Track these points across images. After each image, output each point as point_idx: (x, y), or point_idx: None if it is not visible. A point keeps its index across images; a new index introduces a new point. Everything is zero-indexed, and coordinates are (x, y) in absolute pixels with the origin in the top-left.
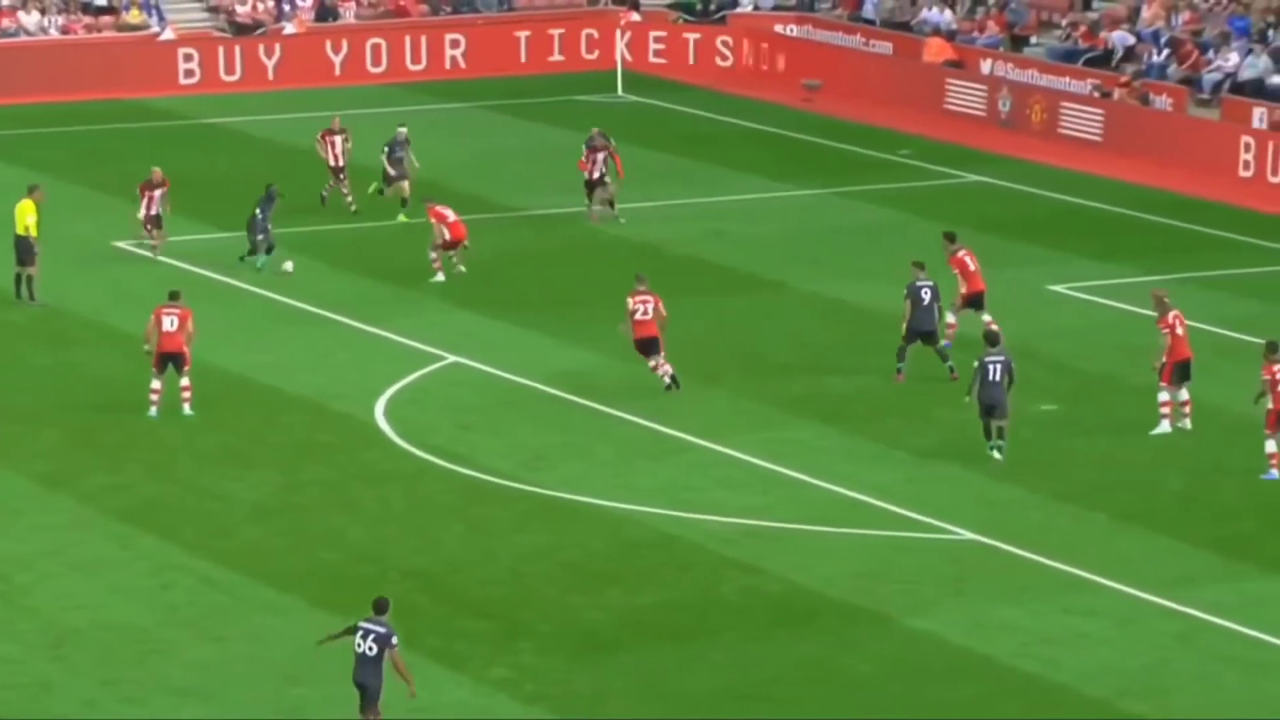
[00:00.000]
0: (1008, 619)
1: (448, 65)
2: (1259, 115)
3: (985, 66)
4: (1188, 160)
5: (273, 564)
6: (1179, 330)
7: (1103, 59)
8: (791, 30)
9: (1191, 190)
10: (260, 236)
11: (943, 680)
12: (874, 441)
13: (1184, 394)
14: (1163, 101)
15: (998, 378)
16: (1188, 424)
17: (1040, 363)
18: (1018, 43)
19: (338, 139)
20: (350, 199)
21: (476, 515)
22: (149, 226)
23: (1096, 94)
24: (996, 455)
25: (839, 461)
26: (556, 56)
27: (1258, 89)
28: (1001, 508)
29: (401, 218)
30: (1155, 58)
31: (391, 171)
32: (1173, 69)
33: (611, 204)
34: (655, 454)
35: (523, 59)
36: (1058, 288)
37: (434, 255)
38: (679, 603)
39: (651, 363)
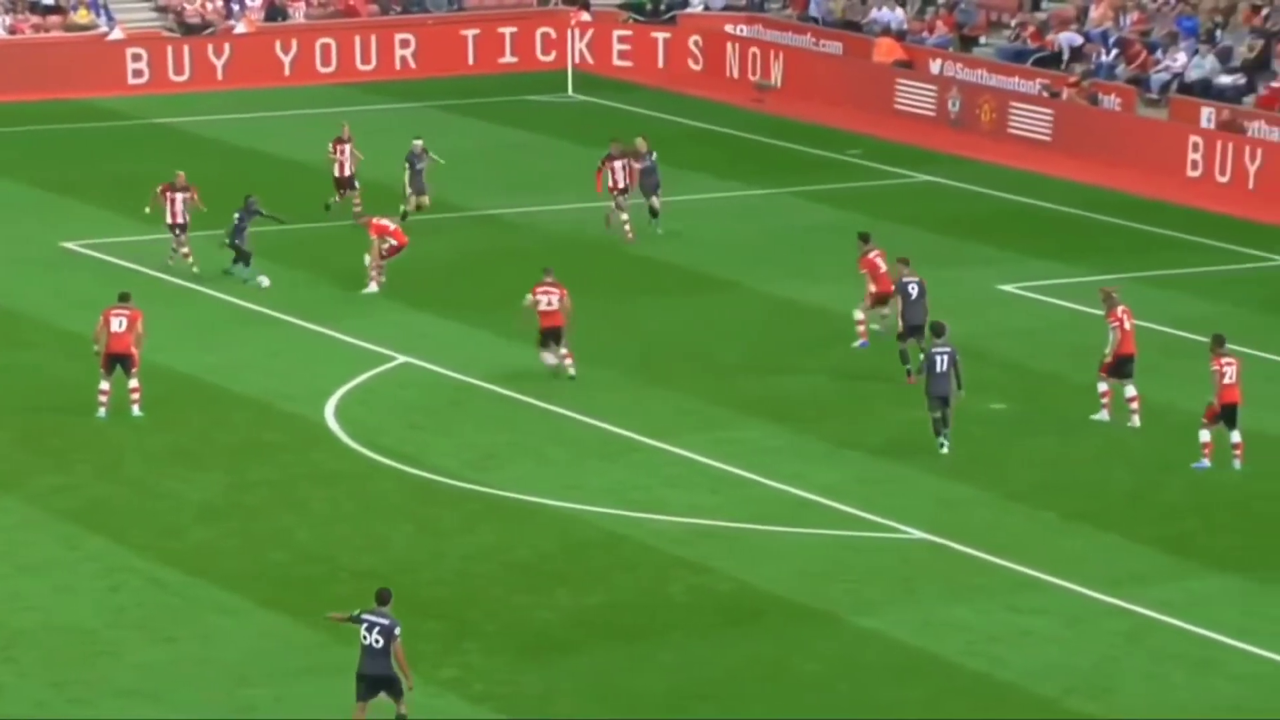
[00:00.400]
0: (956, 618)
1: (398, 65)
2: (1207, 115)
3: (935, 66)
4: (1136, 160)
5: (222, 564)
6: (1126, 325)
7: (1051, 59)
8: (742, 30)
9: (1140, 190)
10: (236, 244)
11: (891, 680)
12: (823, 441)
13: (1130, 390)
14: (1111, 101)
15: (945, 368)
16: (1136, 421)
17: (990, 362)
18: (967, 43)
19: (347, 147)
20: (359, 208)
21: (425, 515)
22: (179, 233)
23: (1045, 94)
24: (943, 449)
25: (788, 461)
26: (508, 57)
27: (1205, 89)
28: (950, 507)
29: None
30: (1103, 58)
31: (409, 188)
32: (1121, 69)
33: (622, 213)
34: (605, 454)
35: (472, 59)
36: (1007, 287)
37: (371, 265)
38: (627, 603)
39: (551, 356)
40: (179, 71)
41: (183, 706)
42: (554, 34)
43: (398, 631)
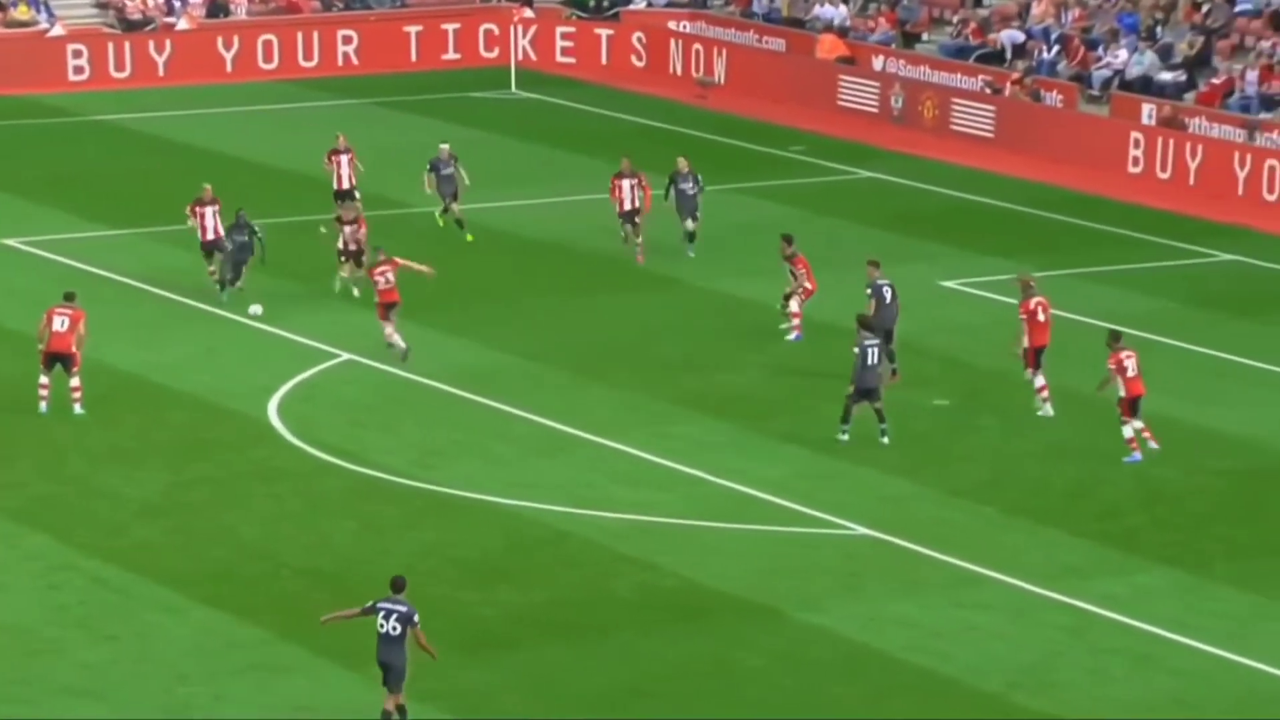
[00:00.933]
0: (899, 613)
1: (340, 61)
2: (1148, 111)
3: (877, 63)
4: (1078, 156)
5: (163, 562)
6: (1040, 317)
7: (994, 56)
8: (685, 27)
9: (1082, 186)
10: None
11: (835, 675)
12: (767, 437)
13: (1039, 380)
14: (1053, 98)
15: (875, 361)
16: (1049, 409)
17: (932, 358)
18: (909, 40)
19: (344, 158)
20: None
21: (369, 513)
22: (209, 254)
23: (988, 90)
24: (885, 440)
25: (732, 457)
26: (451, 54)
27: (1146, 85)
28: (893, 503)
29: (469, 237)
30: (1045, 54)
31: (437, 191)
32: (1063, 66)
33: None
34: (549, 451)
35: (415, 56)
36: (949, 283)
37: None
38: (572, 600)
39: (388, 328)
40: (120, 68)
41: (123, 704)
42: (497, 30)
43: (416, 618)
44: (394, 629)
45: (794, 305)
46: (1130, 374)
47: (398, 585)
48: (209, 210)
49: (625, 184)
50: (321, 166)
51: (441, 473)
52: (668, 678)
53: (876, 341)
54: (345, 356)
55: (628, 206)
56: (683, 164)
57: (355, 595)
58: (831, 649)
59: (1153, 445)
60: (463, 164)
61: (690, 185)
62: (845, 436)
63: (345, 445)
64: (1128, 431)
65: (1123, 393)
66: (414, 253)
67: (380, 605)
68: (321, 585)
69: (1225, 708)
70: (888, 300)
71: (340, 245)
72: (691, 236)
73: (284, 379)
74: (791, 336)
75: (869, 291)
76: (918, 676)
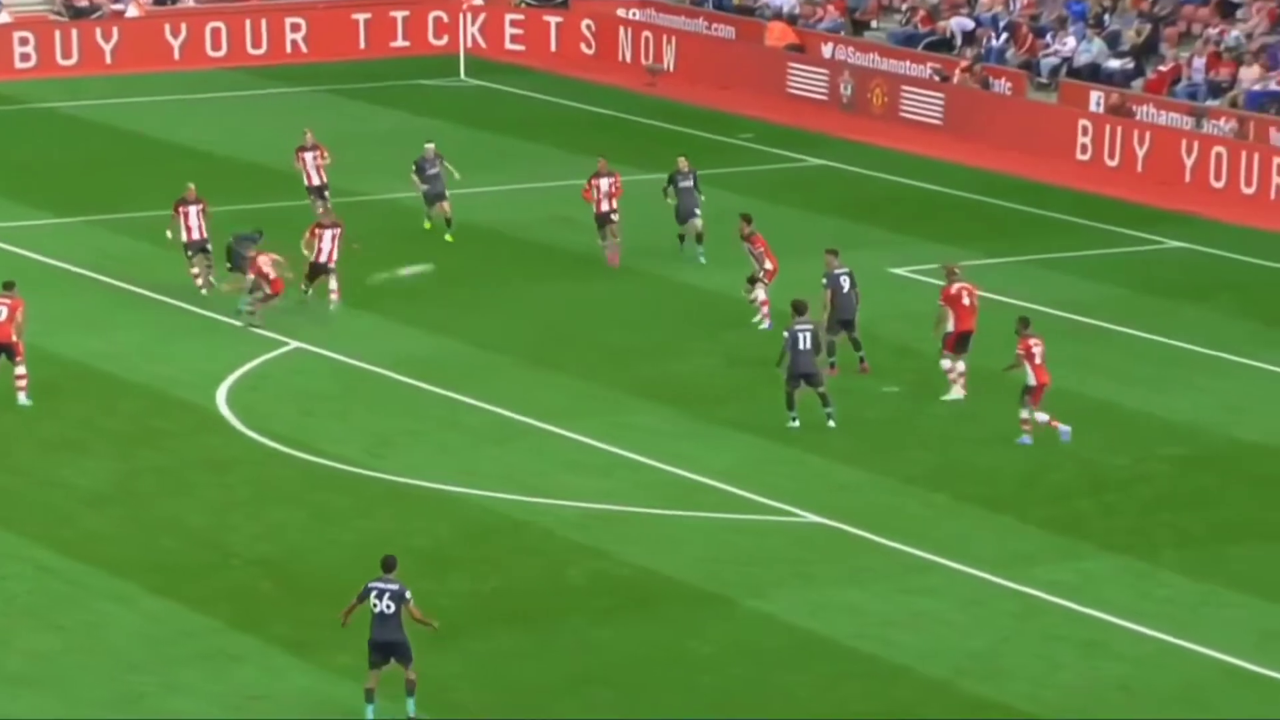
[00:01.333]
0: (849, 601)
1: (288, 49)
2: (1095, 99)
3: (827, 50)
4: (1027, 143)
5: (112, 551)
6: (965, 301)
7: (942, 43)
8: (634, 14)
9: (1030, 173)
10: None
11: (785, 663)
12: (719, 425)
13: (960, 365)
14: (1002, 85)
15: (808, 345)
16: (960, 392)
17: (882, 345)
18: (858, 27)
19: (308, 155)
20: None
21: (320, 502)
22: (195, 253)
23: (937, 78)
24: (831, 424)
25: (684, 445)
26: (399, 41)
27: (1094, 73)
28: (844, 490)
29: (448, 237)
30: (994, 42)
31: (424, 188)
32: (1011, 53)
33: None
34: (501, 439)
35: (363, 43)
36: (899, 270)
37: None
38: (524, 588)
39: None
40: (67, 55)
41: (72, 693)
42: (446, 18)
43: (408, 595)
44: (388, 607)
45: (761, 293)
46: (1037, 361)
47: (388, 565)
48: (193, 210)
49: (602, 184)
50: (272, 155)
51: (393, 461)
52: (620, 666)
53: (809, 326)
54: (293, 345)
55: (604, 208)
56: (683, 163)
57: (306, 585)
58: (781, 636)
59: (1062, 428)
60: (448, 160)
61: (691, 184)
62: (795, 424)
63: (295, 434)
64: (1025, 413)
65: (1031, 380)
66: (362, 240)
67: (371, 586)
68: (271, 574)
69: (1172, 693)
70: (845, 289)
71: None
72: (699, 238)
73: (233, 368)
74: (765, 325)
75: (824, 281)
76: (866, 664)
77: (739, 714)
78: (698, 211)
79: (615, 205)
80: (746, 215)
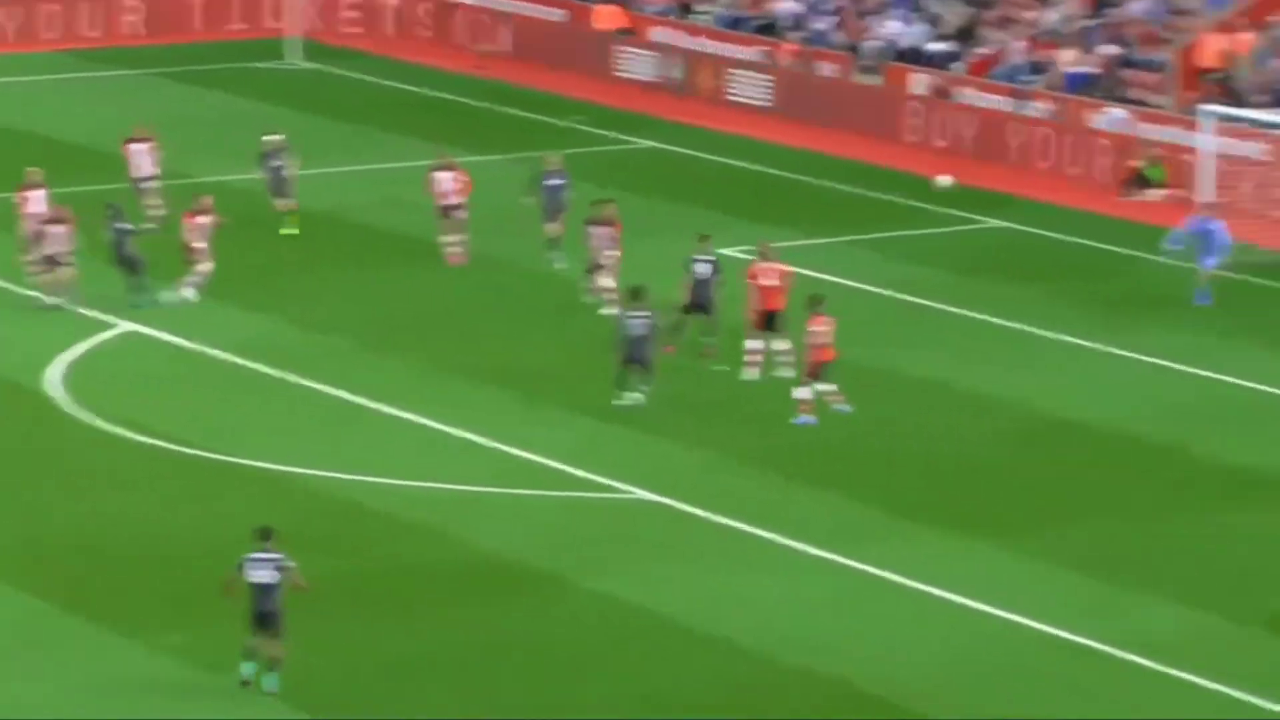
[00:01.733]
0: (681, 577)
1: (125, 31)
2: (920, 81)
3: (656, 34)
4: (853, 125)
5: None
6: (769, 281)
7: (770, 26)
8: None
9: (856, 154)
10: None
11: (617, 640)
12: (556, 406)
13: (783, 344)
14: (828, 68)
15: (641, 330)
16: (790, 372)
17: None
18: (686, 10)
19: (140, 146)
20: (159, 214)
21: (158, 486)
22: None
23: (764, 61)
24: (639, 396)
25: (519, 426)
26: (236, 24)
27: (917, 56)
28: (677, 468)
29: (285, 230)
30: (820, 25)
31: (267, 177)
32: (837, 36)
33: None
34: (341, 421)
35: (200, 25)
36: (729, 251)
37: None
38: (364, 570)
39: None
40: None
41: None
42: (282, 1)
43: (289, 562)
44: (272, 577)
45: (609, 280)
46: (821, 340)
47: (265, 535)
48: (35, 195)
49: (441, 176)
50: (105, 139)
51: (232, 444)
52: (459, 646)
53: (644, 311)
54: (127, 327)
55: (446, 201)
56: (553, 159)
57: (142, 569)
58: (614, 614)
59: (843, 409)
60: (291, 154)
61: (560, 182)
62: (624, 402)
63: (132, 417)
64: (806, 393)
65: (810, 355)
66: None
67: (248, 559)
68: (106, 559)
69: (997, 665)
70: (702, 276)
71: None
72: (555, 241)
73: (63, 350)
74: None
75: (685, 265)
76: (697, 640)
77: (573, 691)
78: (562, 216)
79: (462, 201)
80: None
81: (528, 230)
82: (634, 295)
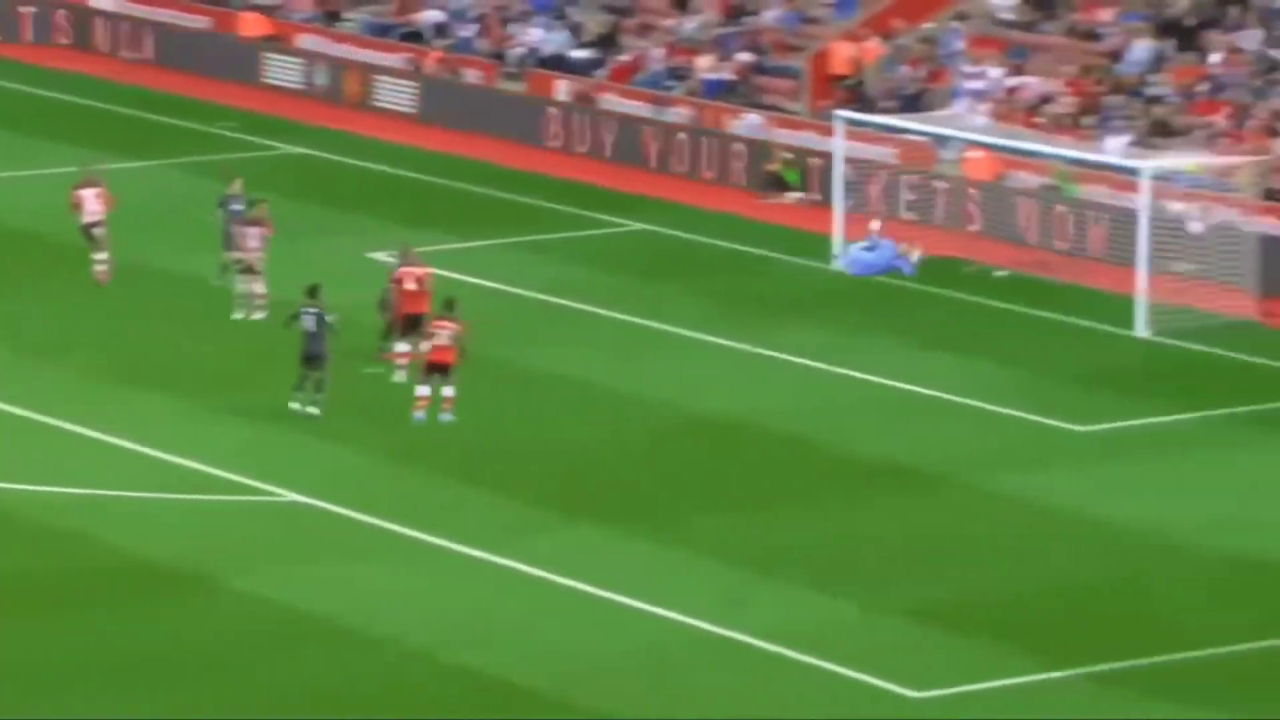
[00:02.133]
0: (336, 577)
1: None
2: (562, 88)
3: (302, 40)
4: (498, 131)
5: None
6: (407, 285)
7: (415, 34)
8: (110, 4)
9: (502, 160)
10: None
11: (270, 641)
12: (214, 410)
13: (404, 345)
14: (473, 75)
15: (313, 328)
16: (403, 376)
17: (364, 329)
18: (332, 18)
19: (85, 193)
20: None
21: None
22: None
23: (410, 68)
24: (314, 410)
25: (178, 430)
26: None
27: (559, 63)
28: (333, 470)
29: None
30: (465, 33)
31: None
32: (481, 44)
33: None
34: None
35: None
36: (376, 255)
37: None
38: (15, 575)
39: None
40: None
41: None
42: None
43: (329, 318)
44: (316, 325)
45: (260, 286)
46: (440, 341)
47: (312, 291)
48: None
49: (84, 194)
50: None
51: None
52: (114, 650)
53: (316, 309)
54: None
55: (87, 219)
56: (236, 185)
57: None
58: (266, 614)
59: (447, 417)
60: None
61: (240, 207)
62: (295, 405)
63: None
64: (425, 390)
65: (430, 355)
66: None
67: (301, 312)
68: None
69: (641, 656)
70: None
71: None
72: (225, 266)
73: None
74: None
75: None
76: (352, 638)
77: (224, 695)
78: (236, 244)
79: (103, 219)
80: (255, 200)
81: (180, 237)
82: (309, 293)
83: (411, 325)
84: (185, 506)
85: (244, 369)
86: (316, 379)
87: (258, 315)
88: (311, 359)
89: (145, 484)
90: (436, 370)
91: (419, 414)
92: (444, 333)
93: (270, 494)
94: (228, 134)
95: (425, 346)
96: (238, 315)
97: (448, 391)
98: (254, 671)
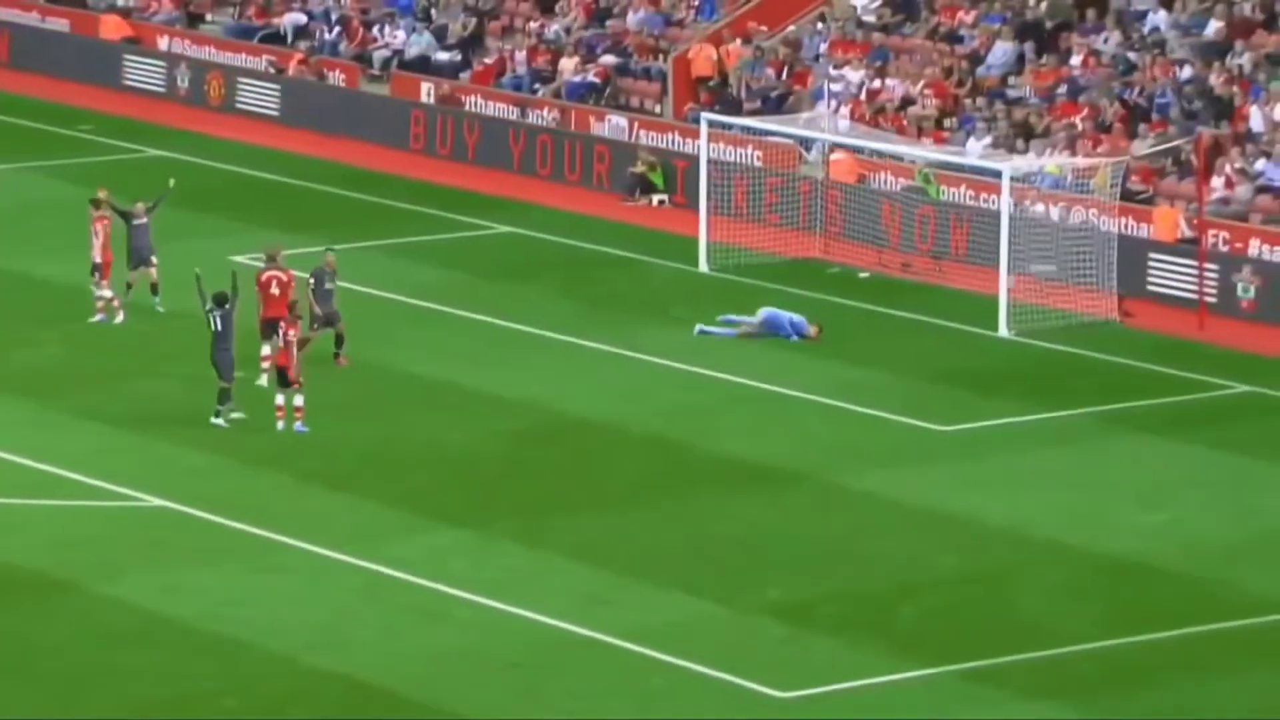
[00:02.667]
0: (197, 582)
1: None
2: (426, 90)
3: (163, 43)
4: (362, 133)
5: None
6: (272, 290)
7: (277, 36)
8: None
9: (367, 162)
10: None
11: (132, 644)
12: (67, 414)
13: (266, 350)
14: (335, 77)
15: (219, 328)
16: (265, 380)
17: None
18: (194, 20)
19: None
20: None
21: None
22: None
23: (272, 70)
24: (222, 422)
25: (31, 434)
26: None
27: (424, 65)
28: (191, 475)
29: None
30: (327, 35)
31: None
32: (344, 46)
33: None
34: None
35: None
36: (239, 258)
37: None
38: None
39: None
40: None
41: None
42: None
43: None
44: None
45: (107, 290)
46: (282, 344)
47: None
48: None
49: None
50: None
51: None
52: None
53: (220, 312)
54: None
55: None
56: (140, 207)
57: None
58: (129, 619)
59: (300, 427)
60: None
61: (145, 222)
62: (222, 422)
63: None
64: (280, 399)
65: (276, 359)
66: None
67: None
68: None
69: (508, 658)
70: (322, 288)
71: None
72: (154, 288)
73: None
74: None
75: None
76: (213, 642)
77: (85, 697)
78: (154, 260)
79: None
80: (95, 200)
81: (34, 240)
82: (218, 301)
83: (273, 329)
84: (43, 512)
85: (95, 372)
86: (223, 389)
87: (119, 319)
88: (216, 366)
89: (4, 489)
90: (281, 378)
91: (280, 423)
92: (291, 338)
93: (130, 498)
94: (86, 136)
95: (269, 349)
96: (96, 319)
97: (298, 401)
98: (113, 675)
